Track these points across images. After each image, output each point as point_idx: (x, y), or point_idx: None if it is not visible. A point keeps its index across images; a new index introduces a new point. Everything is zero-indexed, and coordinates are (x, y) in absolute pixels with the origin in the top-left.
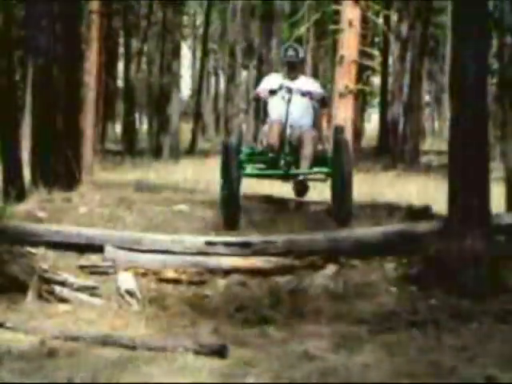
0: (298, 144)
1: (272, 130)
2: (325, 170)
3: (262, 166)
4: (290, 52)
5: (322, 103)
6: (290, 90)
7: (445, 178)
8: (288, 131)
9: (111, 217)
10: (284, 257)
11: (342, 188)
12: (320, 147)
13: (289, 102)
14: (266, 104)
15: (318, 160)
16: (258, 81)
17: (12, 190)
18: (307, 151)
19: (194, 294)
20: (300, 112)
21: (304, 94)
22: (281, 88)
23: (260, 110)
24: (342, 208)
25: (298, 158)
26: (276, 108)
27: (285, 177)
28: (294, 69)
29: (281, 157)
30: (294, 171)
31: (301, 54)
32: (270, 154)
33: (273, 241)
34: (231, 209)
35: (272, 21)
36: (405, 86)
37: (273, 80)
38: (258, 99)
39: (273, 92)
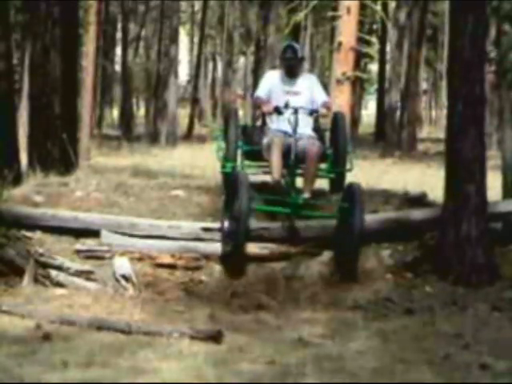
0: (302, 155)
1: (274, 159)
2: (336, 214)
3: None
4: (289, 53)
5: (326, 109)
6: (296, 111)
7: (441, 165)
8: (292, 147)
9: (108, 201)
10: (280, 243)
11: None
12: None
13: (295, 131)
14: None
15: (319, 158)
16: (256, 67)
17: (9, 174)
18: (311, 171)
19: (190, 280)
20: (303, 124)
21: (311, 113)
22: (287, 106)
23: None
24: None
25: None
26: (279, 123)
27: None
28: (293, 69)
29: (289, 198)
30: (303, 213)
31: (299, 54)
32: (277, 194)
33: (269, 227)
34: (236, 244)
35: (270, 7)
36: (402, 74)
37: (272, 80)
38: (259, 107)
39: (278, 110)
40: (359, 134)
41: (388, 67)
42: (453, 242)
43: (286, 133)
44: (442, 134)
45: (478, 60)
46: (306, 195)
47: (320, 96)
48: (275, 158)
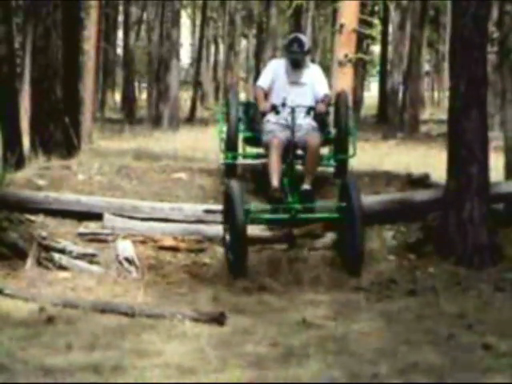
0: (302, 145)
1: (273, 164)
2: (334, 215)
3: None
4: (295, 47)
5: (324, 105)
6: (293, 110)
7: (444, 147)
8: (291, 148)
9: (110, 185)
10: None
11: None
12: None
13: (293, 131)
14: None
15: (319, 149)
16: (257, 49)
17: (11, 158)
18: (311, 163)
19: (193, 262)
20: (302, 115)
21: (308, 111)
22: (284, 105)
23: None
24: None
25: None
26: (277, 119)
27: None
28: (298, 63)
29: (287, 204)
30: (301, 216)
31: (306, 47)
32: (275, 203)
33: (270, 209)
34: (237, 257)
35: None
36: (404, 55)
37: (276, 69)
38: (257, 100)
39: (275, 109)
40: (361, 116)
41: (390, 49)
42: (455, 223)
43: (285, 125)
44: (444, 116)
45: (481, 40)
46: (306, 187)
47: (321, 88)
48: (274, 163)
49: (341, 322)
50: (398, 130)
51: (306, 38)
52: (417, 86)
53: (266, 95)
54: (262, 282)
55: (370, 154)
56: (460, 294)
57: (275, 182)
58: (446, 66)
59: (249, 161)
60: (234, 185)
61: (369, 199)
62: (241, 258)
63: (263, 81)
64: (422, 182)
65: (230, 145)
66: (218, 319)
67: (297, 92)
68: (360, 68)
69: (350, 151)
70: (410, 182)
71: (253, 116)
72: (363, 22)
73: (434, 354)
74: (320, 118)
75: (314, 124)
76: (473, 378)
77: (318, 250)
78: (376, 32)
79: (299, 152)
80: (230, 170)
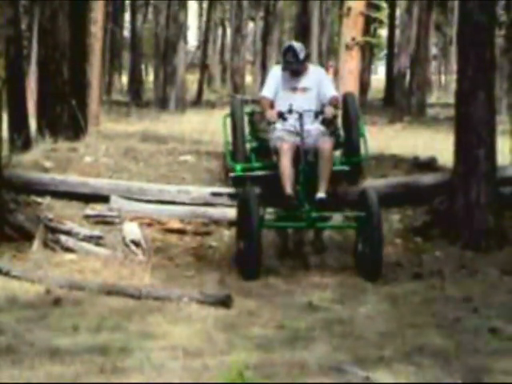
0: (314, 152)
1: (285, 170)
2: (352, 224)
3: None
4: (289, 57)
5: (333, 107)
6: (301, 116)
7: (451, 130)
8: (302, 156)
9: (117, 167)
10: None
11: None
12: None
13: (302, 137)
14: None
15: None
16: (265, 32)
17: (18, 140)
18: (325, 170)
19: (199, 245)
20: (310, 120)
21: (317, 115)
22: (290, 111)
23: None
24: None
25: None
26: (284, 124)
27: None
28: (296, 72)
29: (304, 212)
30: (318, 225)
31: (301, 56)
32: (290, 210)
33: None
34: (250, 262)
35: None
36: (412, 39)
37: (278, 77)
38: (263, 107)
39: (282, 116)
40: (368, 100)
41: (397, 32)
42: (462, 207)
43: (293, 132)
44: (451, 99)
45: (489, 24)
46: (321, 195)
47: (328, 91)
48: (286, 169)
49: (347, 305)
50: (405, 113)
51: (300, 47)
52: (424, 70)
53: (272, 104)
54: (269, 265)
55: (377, 138)
56: (466, 278)
57: (289, 189)
58: (453, 49)
59: (258, 172)
60: (250, 192)
61: (375, 183)
62: (254, 264)
63: (267, 90)
64: (429, 165)
65: (239, 157)
66: (225, 302)
67: (301, 97)
68: (367, 51)
69: (362, 153)
70: (417, 166)
71: (257, 126)
72: (370, 5)
73: (440, 337)
74: (328, 122)
75: (322, 129)
76: (479, 362)
77: (324, 233)
78: (383, 15)
79: (310, 158)
80: (239, 183)
